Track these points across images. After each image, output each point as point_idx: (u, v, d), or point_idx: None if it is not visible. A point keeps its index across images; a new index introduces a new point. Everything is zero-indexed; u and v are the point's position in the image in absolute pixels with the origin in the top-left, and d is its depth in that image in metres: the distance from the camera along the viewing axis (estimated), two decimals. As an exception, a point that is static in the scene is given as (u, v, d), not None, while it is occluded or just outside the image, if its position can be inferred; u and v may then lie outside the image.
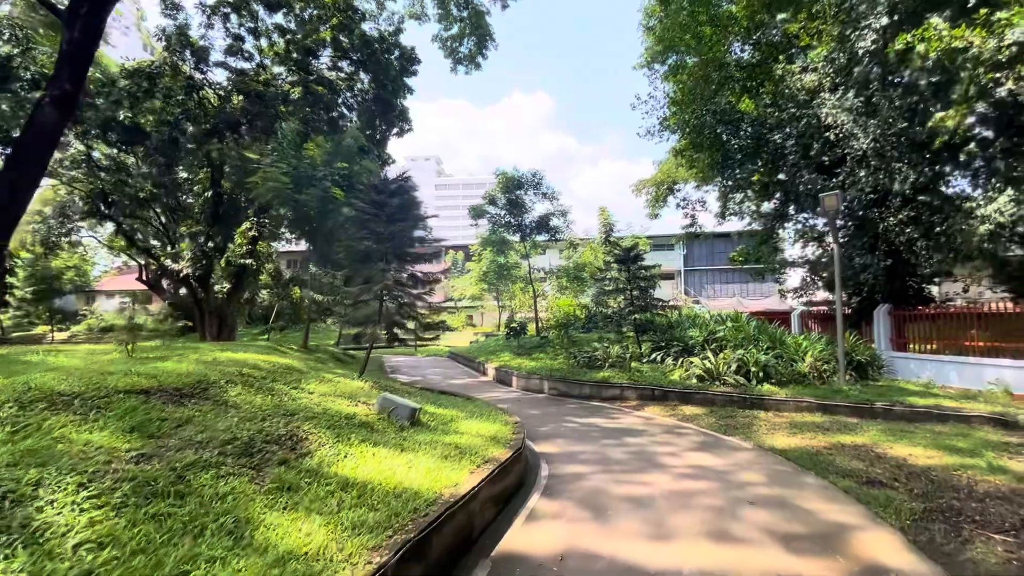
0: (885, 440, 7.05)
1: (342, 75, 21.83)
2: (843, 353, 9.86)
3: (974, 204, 10.11)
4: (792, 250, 19.71)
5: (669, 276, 45.66)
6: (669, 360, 12.55)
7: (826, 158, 12.75)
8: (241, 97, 17.27)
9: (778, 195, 16.32)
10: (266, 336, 27.50)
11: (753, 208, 20.69)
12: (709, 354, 11.16)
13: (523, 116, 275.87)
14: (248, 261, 20.90)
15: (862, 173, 12.01)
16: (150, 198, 18.47)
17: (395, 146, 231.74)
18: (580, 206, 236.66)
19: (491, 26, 18.16)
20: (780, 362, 10.60)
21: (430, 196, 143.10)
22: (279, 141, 13.45)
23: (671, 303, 16.02)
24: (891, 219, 12.44)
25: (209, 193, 19.53)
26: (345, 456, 4.34)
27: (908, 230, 12.23)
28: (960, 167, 10.91)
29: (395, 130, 23.80)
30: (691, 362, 11.25)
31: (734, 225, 22.38)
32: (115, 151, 18.05)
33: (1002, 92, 9.59)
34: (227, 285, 21.55)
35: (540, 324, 23.22)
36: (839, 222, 14.48)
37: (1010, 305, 11.16)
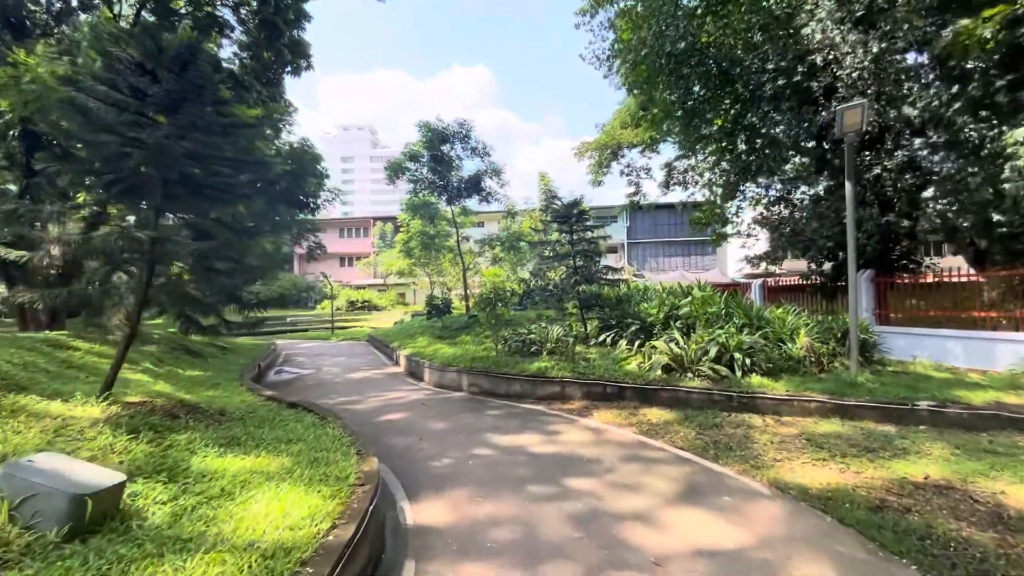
0: (972, 472, 4.48)
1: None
2: (856, 331, 7.37)
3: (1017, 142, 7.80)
4: (746, 214, 17.60)
5: (612, 249, 43.83)
6: (623, 343, 9.76)
7: (815, 83, 10.21)
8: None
9: (743, 145, 13.86)
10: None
11: (701, 177, 18.70)
12: (677, 335, 8.41)
13: (463, 89, 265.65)
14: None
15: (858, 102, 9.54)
16: None
17: (324, 109, 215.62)
18: (520, 183, 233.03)
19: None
20: (767, 344, 8.03)
21: (365, 168, 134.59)
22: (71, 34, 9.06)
23: (621, 274, 13.27)
24: (886, 163, 10.17)
25: (16, 131, 14.44)
26: None
27: (906, 177, 10.00)
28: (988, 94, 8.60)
29: (287, 67, 19.24)
30: (653, 347, 8.46)
31: (677, 195, 20.53)
32: None
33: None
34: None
35: (470, 301, 20.02)
36: (813, 181, 12.18)
37: None
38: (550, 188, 34.06)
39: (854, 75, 9.61)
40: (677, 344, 8.16)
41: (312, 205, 21.76)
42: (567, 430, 6.62)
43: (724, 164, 15.04)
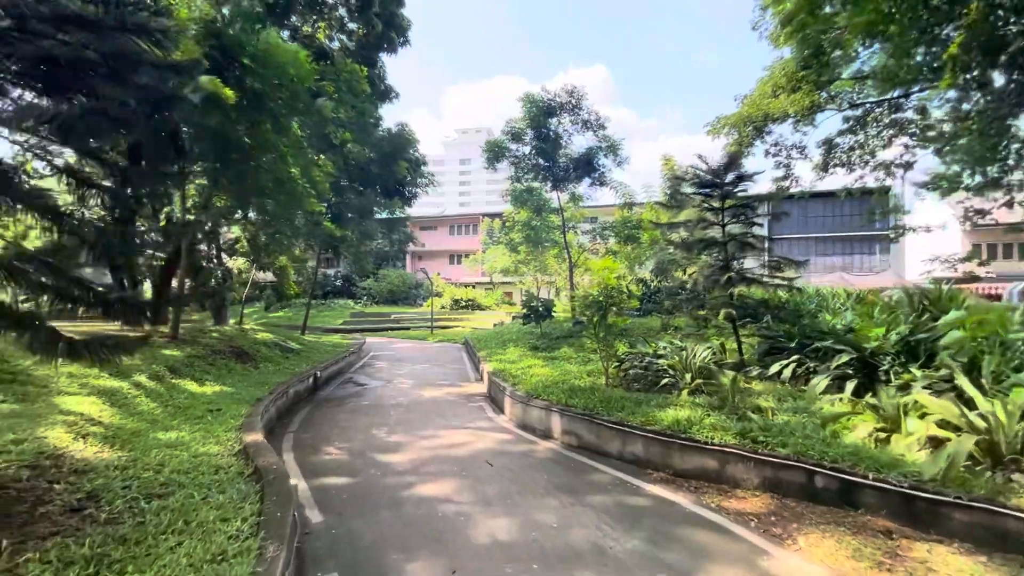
0: None
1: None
2: None
3: None
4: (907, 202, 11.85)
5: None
6: (819, 383, 5.79)
7: None
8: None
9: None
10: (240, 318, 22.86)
11: (872, 156, 14.48)
12: (971, 390, 4.28)
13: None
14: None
15: None
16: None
17: (448, 119, 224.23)
18: (638, 180, 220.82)
19: None
20: None
21: (481, 168, 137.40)
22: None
23: (797, 271, 8.86)
24: None
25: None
26: None
27: None
28: None
29: (383, 43, 17.57)
30: (920, 407, 4.44)
31: (840, 179, 16.34)
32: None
33: None
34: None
35: (575, 304, 16.73)
36: None
37: None
38: (676, 174, 29.20)
39: None
40: (993, 408, 4.06)
41: (407, 193, 20.14)
42: (753, 592, 3.08)
43: (966, 105, 9.89)
